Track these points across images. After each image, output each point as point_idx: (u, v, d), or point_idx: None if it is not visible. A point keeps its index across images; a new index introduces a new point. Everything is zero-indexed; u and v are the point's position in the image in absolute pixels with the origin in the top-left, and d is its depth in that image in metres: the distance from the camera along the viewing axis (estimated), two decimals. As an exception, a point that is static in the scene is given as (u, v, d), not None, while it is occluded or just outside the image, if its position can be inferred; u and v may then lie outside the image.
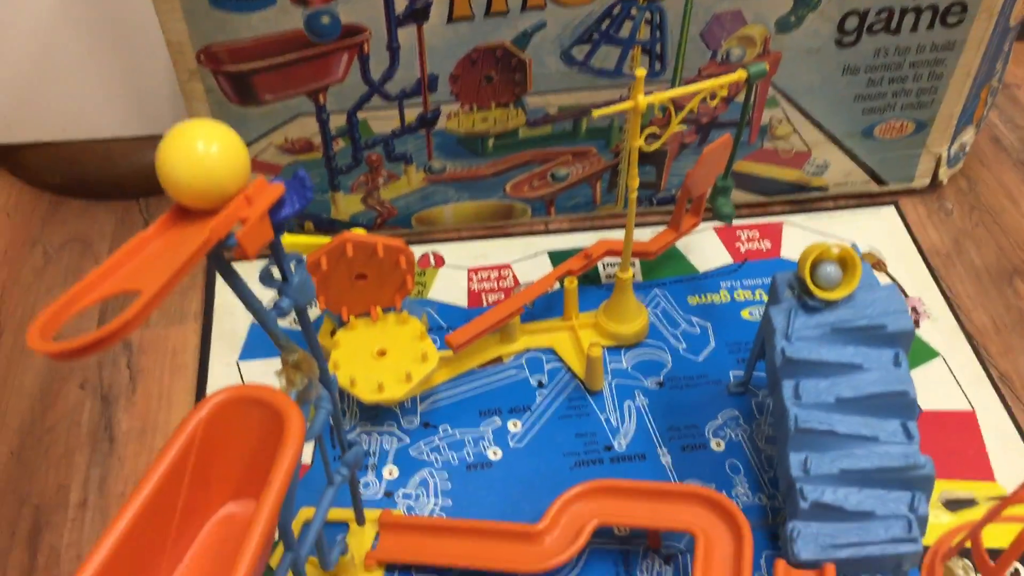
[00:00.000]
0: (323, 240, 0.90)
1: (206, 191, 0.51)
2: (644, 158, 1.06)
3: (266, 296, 0.54)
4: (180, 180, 0.51)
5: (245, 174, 0.53)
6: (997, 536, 0.75)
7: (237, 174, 0.52)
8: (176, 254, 0.50)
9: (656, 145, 0.80)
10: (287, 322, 1.00)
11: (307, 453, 0.89)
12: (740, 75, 0.82)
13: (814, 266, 0.77)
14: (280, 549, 0.67)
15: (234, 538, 0.57)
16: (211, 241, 0.51)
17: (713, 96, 0.82)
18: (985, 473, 0.87)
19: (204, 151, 0.51)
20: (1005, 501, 0.52)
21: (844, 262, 0.77)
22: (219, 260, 0.54)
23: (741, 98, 1.02)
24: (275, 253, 0.57)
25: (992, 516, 0.53)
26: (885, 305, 0.77)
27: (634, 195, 0.85)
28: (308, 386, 0.61)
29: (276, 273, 0.58)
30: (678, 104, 0.86)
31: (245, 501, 0.59)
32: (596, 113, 0.78)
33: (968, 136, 1.13)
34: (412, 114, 0.98)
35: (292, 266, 0.59)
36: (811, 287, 0.77)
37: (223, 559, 0.56)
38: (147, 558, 0.53)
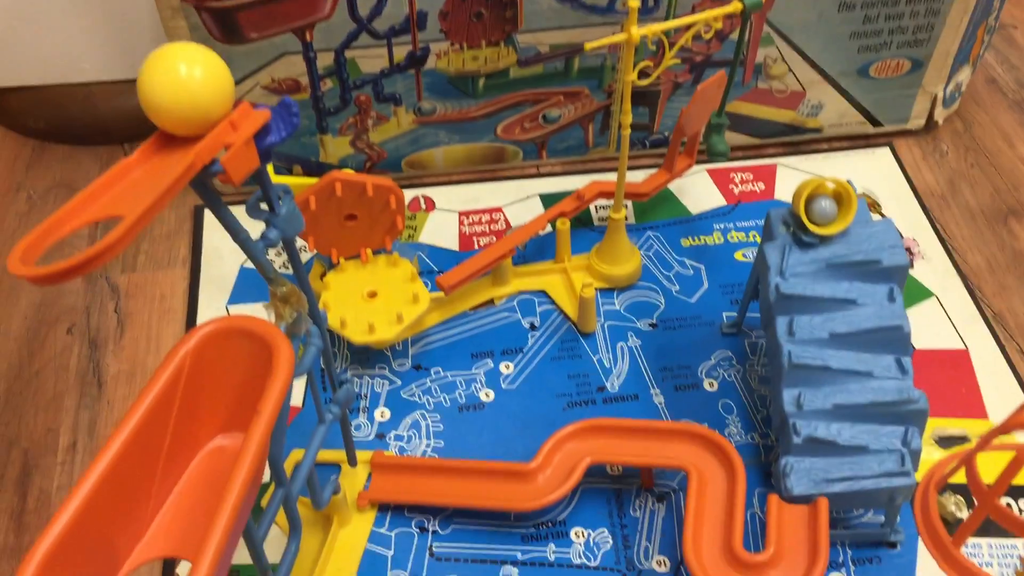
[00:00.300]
0: (312, 181, 0.89)
1: (189, 116, 0.50)
2: (637, 99, 1.05)
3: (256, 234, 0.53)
4: (162, 104, 0.49)
5: (229, 99, 0.51)
6: (989, 471, 0.75)
7: (221, 98, 0.50)
8: (159, 180, 0.48)
9: (649, 80, 0.79)
10: (278, 265, 0.99)
11: (298, 395, 0.89)
12: (736, 6, 0.81)
13: (809, 201, 0.77)
14: (272, 494, 0.66)
15: (223, 470, 0.56)
16: (195, 166, 0.49)
17: (708, 29, 0.80)
18: (978, 411, 0.87)
19: (187, 74, 0.49)
20: (998, 428, 0.51)
21: (839, 197, 0.76)
22: (204, 188, 0.53)
23: (735, 36, 1.00)
24: (261, 182, 0.56)
25: (985, 443, 0.53)
26: (880, 240, 0.76)
27: (627, 132, 0.84)
28: (297, 320, 0.60)
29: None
30: (672, 39, 0.84)
31: (235, 434, 0.58)
32: (588, 46, 0.77)
33: (964, 76, 1.12)
34: (401, 53, 0.96)
35: (279, 198, 0.58)
36: (806, 222, 0.76)
37: (213, 490, 0.55)
38: (135, 489, 0.52)
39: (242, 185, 0.57)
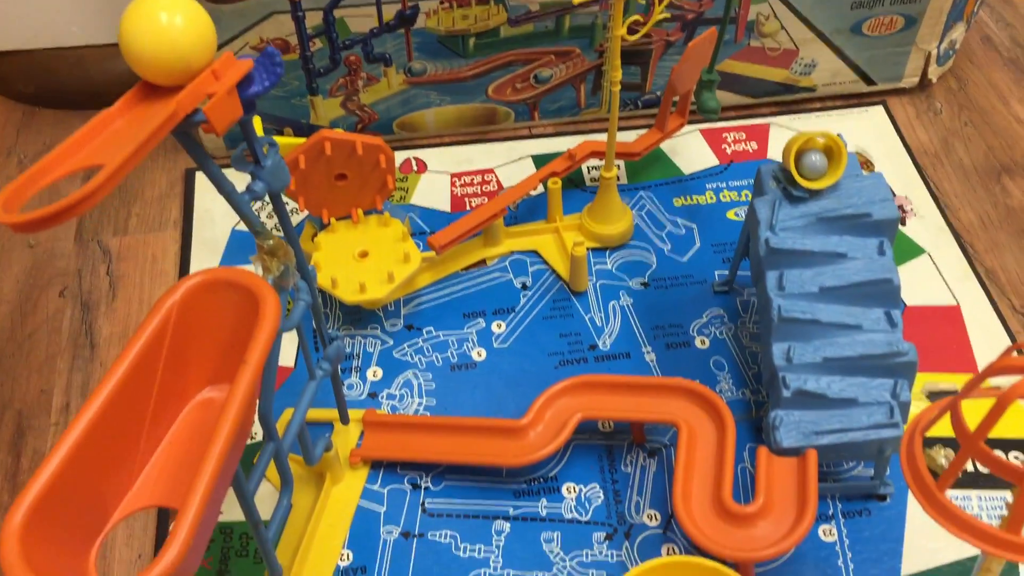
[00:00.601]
0: (301, 141, 0.89)
1: (170, 65, 0.50)
2: (629, 58, 1.04)
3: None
4: (143, 53, 0.49)
5: (211, 48, 0.51)
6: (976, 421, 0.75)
7: (202, 47, 0.50)
8: (141, 130, 0.48)
9: (639, 34, 0.78)
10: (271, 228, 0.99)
11: (290, 356, 0.89)
12: (725, -41, 0.80)
13: (799, 156, 0.76)
14: (263, 448, 0.66)
15: (212, 422, 0.56)
16: (177, 115, 0.49)
17: (697, -17, 0.80)
18: (969, 366, 0.87)
19: (168, 22, 0.49)
20: (982, 373, 0.52)
21: (829, 151, 0.76)
22: (188, 139, 0.53)
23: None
24: (246, 133, 0.56)
25: (970, 388, 0.53)
26: (871, 194, 0.76)
27: (616, 89, 0.83)
28: (285, 273, 0.60)
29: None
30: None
31: (223, 387, 0.58)
32: (577, 0, 0.76)
33: (958, 33, 1.11)
34: (390, 12, 0.95)
35: (265, 150, 0.58)
36: (796, 177, 0.76)
37: (201, 442, 0.55)
38: (124, 439, 0.53)
39: (231, 149, 0.57)
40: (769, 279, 0.76)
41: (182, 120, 0.50)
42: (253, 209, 0.58)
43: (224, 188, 0.56)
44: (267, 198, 0.69)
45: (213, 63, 0.51)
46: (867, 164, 1.05)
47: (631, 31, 0.79)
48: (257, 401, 0.58)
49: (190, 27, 0.50)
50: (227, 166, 0.55)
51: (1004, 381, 0.50)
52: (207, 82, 0.51)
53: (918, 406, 0.83)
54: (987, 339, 0.89)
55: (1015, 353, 0.51)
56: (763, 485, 0.71)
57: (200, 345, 0.57)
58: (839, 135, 0.76)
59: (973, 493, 0.79)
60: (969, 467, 0.81)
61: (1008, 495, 0.78)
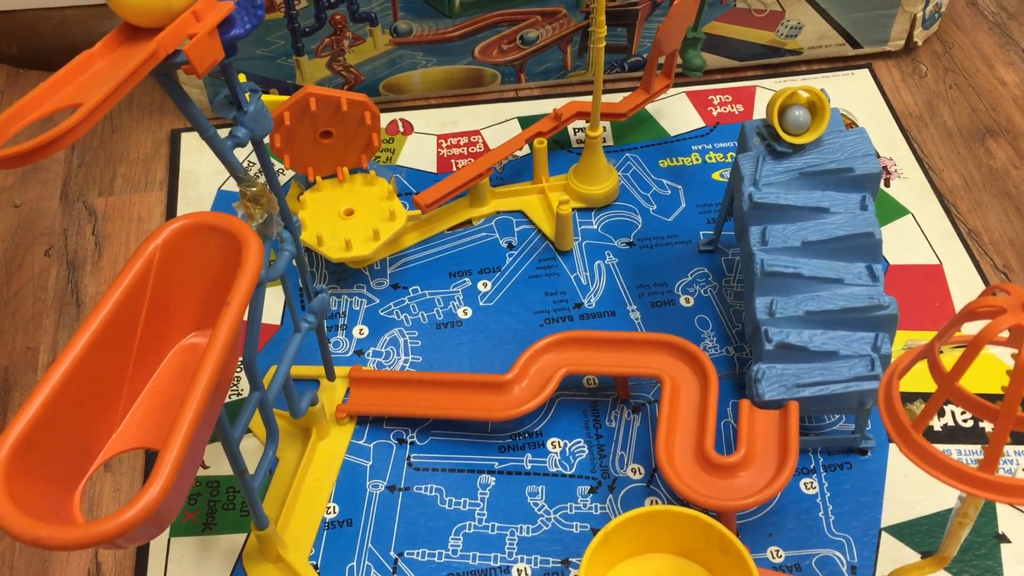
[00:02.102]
0: (286, 99, 0.88)
1: (151, 5, 0.50)
2: (615, 19, 1.04)
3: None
4: (123, -8, 0.49)
5: (192, -12, 0.51)
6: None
7: (183, -13, 0.50)
8: (121, 69, 0.48)
9: (623, -10, 0.78)
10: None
11: (276, 313, 0.89)
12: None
13: (782, 111, 0.77)
14: (248, 396, 0.67)
15: (195, 366, 0.56)
16: (158, 55, 0.49)
17: (682, -61, 0.80)
18: (950, 323, 0.88)
19: (148, -38, 0.49)
20: (957, 317, 0.52)
21: (813, 106, 0.77)
22: (168, 80, 0.53)
23: (713, -46, 1.00)
24: (227, 77, 0.56)
25: (947, 330, 0.53)
26: (853, 149, 0.77)
27: (601, 45, 0.83)
28: (268, 221, 0.61)
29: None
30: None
31: (207, 332, 0.58)
32: (561, -46, 0.76)
33: (944, -4, 1.11)
34: (375, -30, 0.95)
35: (248, 97, 0.58)
36: (779, 132, 0.76)
37: (185, 386, 0.55)
38: (107, 382, 0.53)
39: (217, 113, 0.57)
40: (752, 234, 0.77)
41: (163, 60, 0.50)
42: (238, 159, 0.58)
43: (207, 133, 0.56)
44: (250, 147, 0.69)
45: (195, 4, 0.51)
46: (852, 127, 1.05)
47: (616, -13, 0.79)
48: (241, 348, 0.59)
49: (170, -32, 0.50)
50: (217, 125, 0.55)
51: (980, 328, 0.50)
52: (188, 23, 0.51)
53: (899, 361, 0.84)
54: (968, 296, 0.90)
55: (992, 295, 0.52)
56: (745, 436, 0.72)
57: (183, 290, 0.57)
58: (822, 90, 0.76)
59: (953, 447, 0.80)
60: (948, 421, 0.82)
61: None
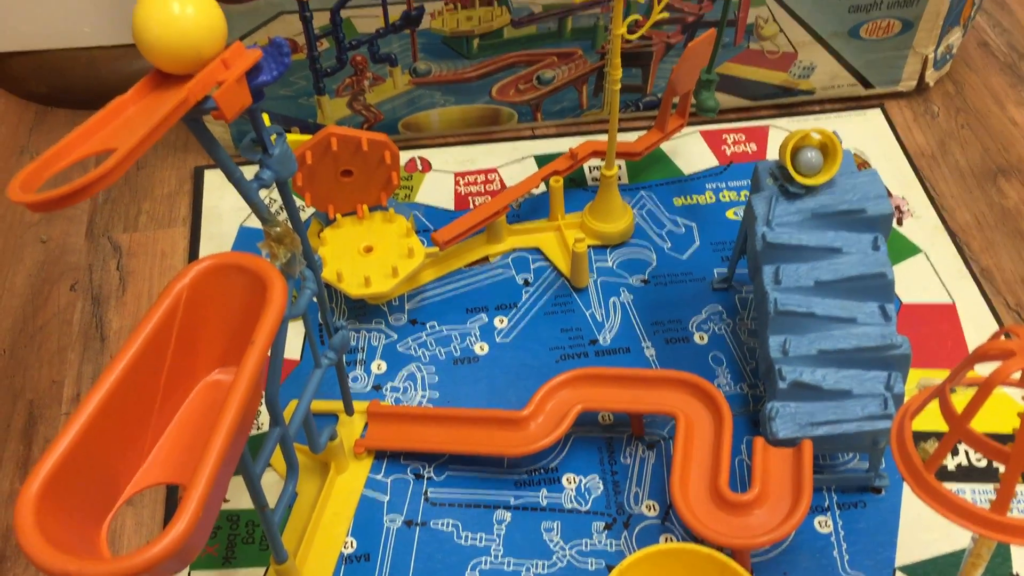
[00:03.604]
0: (308, 138, 0.90)
1: (182, 53, 0.51)
2: (630, 60, 1.06)
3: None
4: (156, 41, 0.51)
5: (221, 37, 0.53)
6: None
7: (213, 36, 0.52)
8: (153, 115, 0.50)
9: (639, 34, 0.80)
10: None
11: (296, 348, 0.90)
12: (723, -39, 0.82)
13: (795, 152, 0.78)
14: (269, 432, 0.68)
15: (220, 403, 0.57)
16: (188, 101, 0.51)
17: (696, -16, 0.81)
18: (963, 362, 0.89)
19: (180, 12, 0.51)
20: (969, 358, 0.53)
21: (825, 148, 0.78)
22: (198, 125, 0.55)
23: (727, -4, 1.01)
24: (254, 121, 0.57)
25: (956, 373, 0.54)
26: (865, 190, 0.78)
27: (616, 87, 0.85)
28: (291, 260, 0.62)
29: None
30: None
31: (231, 369, 0.60)
32: None
33: (955, 37, 1.13)
34: (396, 13, 0.97)
35: (273, 139, 0.60)
36: (792, 173, 0.78)
37: (209, 422, 0.57)
38: (134, 418, 0.54)
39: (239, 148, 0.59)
40: (766, 273, 0.78)
41: (193, 107, 0.52)
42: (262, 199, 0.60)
43: (234, 175, 0.57)
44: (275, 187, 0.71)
45: (223, 52, 0.53)
46: (864, 166, 1.06)
47: (631, 30, 0.81)
48: (264, 385, 0.60)
49: (201, 16, 0.52)
50: (240, 163, 0.57)
51: (992, 369, 0.51)
52: (217, 70, 0.53)
53: (913, 400, 0.84)
54: (981, 336, 0.90)
55: (1003, 337, 0.53)
56: (759, 474, 0.72)
57: (209, 328, 0.58)
58: (834, 132, 0.77)
59: (967, 486, 0.80)
60: (963, 461, 0.82)
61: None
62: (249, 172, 0.59)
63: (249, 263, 0.57)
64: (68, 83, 1.14)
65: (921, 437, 0.58)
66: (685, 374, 0.80)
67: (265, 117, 0.90)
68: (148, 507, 0.80)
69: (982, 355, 0.53)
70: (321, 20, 0.96)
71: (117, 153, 0.47)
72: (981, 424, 0.52)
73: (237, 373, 0.52)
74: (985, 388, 0.50)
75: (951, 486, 0.80)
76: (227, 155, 0.56)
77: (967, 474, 0.81)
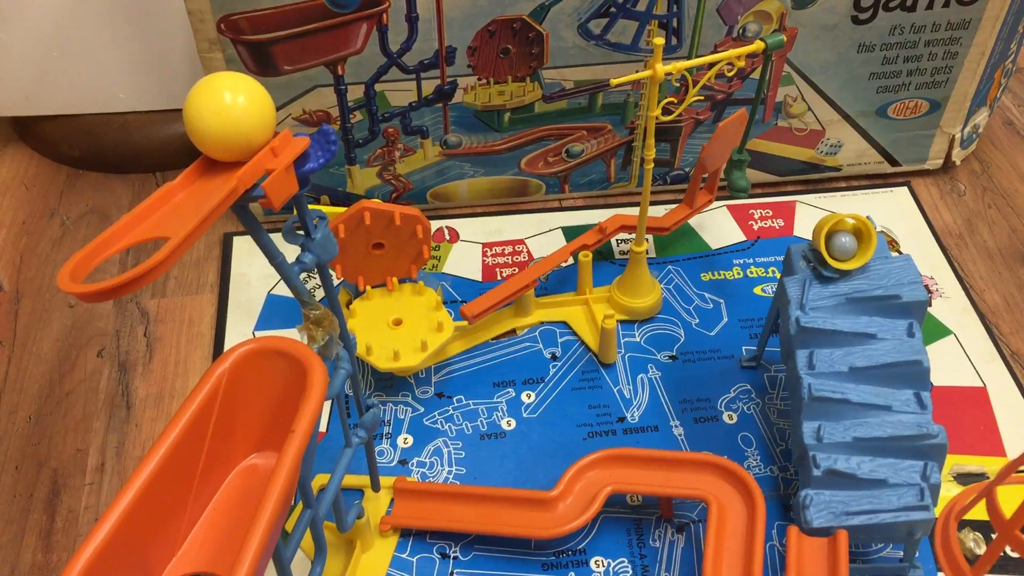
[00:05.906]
0: (341, 210, 0.91)
1: (233, 142, 0.52)
2: (659, 135, 1.07)
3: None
4: (207, 131, 0.51)
5: (271, 126, 0.53)
6: (1008, 507, 0.76)
7: (263, 126, 0.52)
8: (203, 203, 0.50)
9: (673, 115, 0.81)
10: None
11: (322, 420, 0.90)
12: (758, 46, 0.83)
13: (829, 237, 0.78)
14: (297, 514, 0.67)
15: (256, 489, 0.57)
16: (238, 190, 0.51)
17: (730, 68, 0.82)
18: (996, 448, 0.88)
19: (231, 102, 0.51)
20: (1017, 460, 0.52)
21: (859, 233, 0.78)
22: (244, 212, 0.55)
23: (757, 75, 1.02)
24: (299, 207, 0.58)
25: (1005, 475, 0.53)
26: (900, 275, 0.78)
27: (650, 167, 0.85)
28: (329, 342, 0.62)
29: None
30: (695, 77, 0.86)
31: (268, 453, 0.59)
32: (614, 82, 0.79)
33: (981, 117, 1.13)
34: (429, 87, 0.98)
35: (316, 223, 0.60)
36: (826, 257, 0.77)
37: (245, 508, 0.56)
38: (171, 505, 0.54)
39: (268, 215, 0.59)
40: (799, 358, 0.77)
41: (241, 195, 0.52)
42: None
43: (276, 260, 0.57)
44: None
45: (272, 140, 0.54)
46: (893, 243, 1.06)
47: (665, 111, 0.82)
48: (299, 470, 0.59)
49: (252, 106, 0.52)
50: (271, 231, 0.57)
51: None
52: (266, 159, 0.53)
53: (947, 488, 0.83)
54: (1014, 421, 0.89)
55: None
56: (793, 565, 0.71)
57: (247, 412, 0.58)
58: (868, 217, 0.77)
59: (1003, 577, 0.79)
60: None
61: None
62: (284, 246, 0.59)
63: (290, 348, 0.57)
64: (100, 147, 1.15)
65: (958, 527, 0.58)
66: (717, 458, 0.79)
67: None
68: (171, 582, 0.79)
69: (1031, 458, 0.52)
70: (355, 93, 0.97)
71: (170, 243, 0.47)
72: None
73: (278, 461, 0.52)
74: (1036, 494, 0.50)
75: (986, 577, 0.79)
76: (270, 240, 0.56)
77: (1006, 566, 0.80)
